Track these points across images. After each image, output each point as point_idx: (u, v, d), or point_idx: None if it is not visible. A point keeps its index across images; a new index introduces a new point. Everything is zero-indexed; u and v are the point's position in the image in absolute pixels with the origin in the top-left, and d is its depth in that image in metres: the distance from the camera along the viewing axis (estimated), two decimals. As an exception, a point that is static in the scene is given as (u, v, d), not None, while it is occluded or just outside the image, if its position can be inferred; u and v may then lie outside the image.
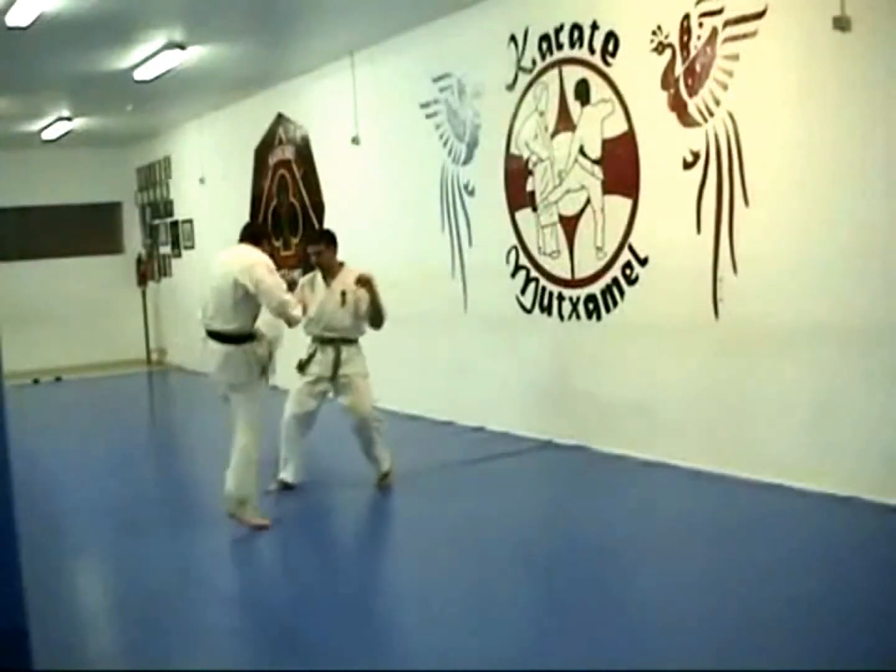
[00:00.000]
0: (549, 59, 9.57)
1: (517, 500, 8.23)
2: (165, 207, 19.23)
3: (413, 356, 9.41)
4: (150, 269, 20.16)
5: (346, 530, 8.25)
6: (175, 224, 18.93)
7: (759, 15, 7.45)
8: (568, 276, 9.64)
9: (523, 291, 10.19)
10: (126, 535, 7.92)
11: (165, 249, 19.49)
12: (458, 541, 7.26)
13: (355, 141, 12.73)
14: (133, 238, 20.71)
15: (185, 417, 14.77)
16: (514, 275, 10.29)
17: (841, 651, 4.90)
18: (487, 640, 5.36)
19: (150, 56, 11.56)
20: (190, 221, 18.29)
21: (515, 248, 10.25)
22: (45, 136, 16.93)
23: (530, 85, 9.84)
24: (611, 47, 8.85)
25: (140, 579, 6.80)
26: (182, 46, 11.21)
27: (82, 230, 20.26)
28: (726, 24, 7.71)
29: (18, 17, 9.28)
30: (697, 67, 8.00)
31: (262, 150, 15.25)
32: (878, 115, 6.86)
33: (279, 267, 14.92)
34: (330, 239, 8.94)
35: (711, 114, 7.93)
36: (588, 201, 9.30)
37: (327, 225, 13.72)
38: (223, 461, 7.52)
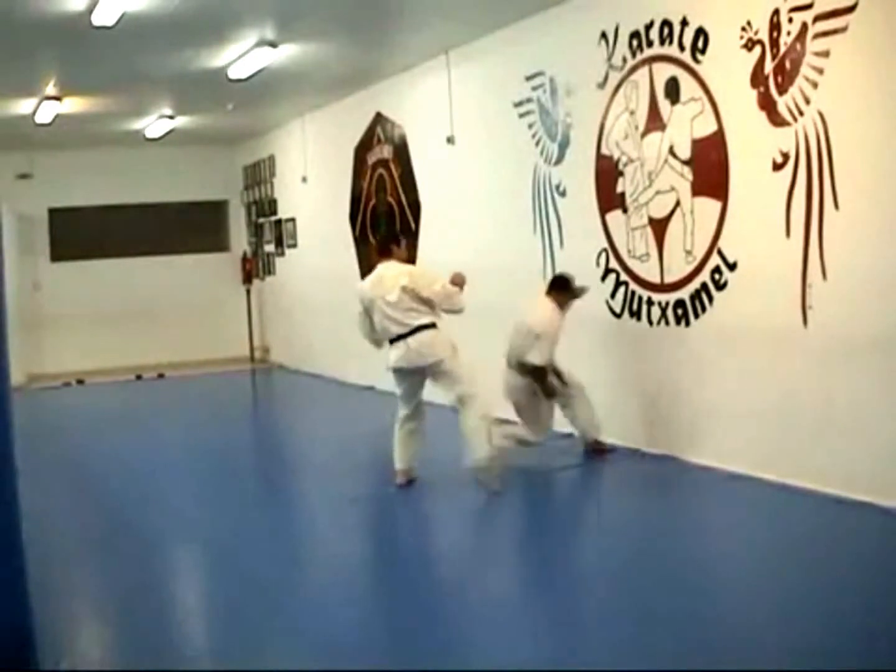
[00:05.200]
0: (639, 57, 9.30)
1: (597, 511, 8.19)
2: (270, 206, 19.27)
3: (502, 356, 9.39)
4: (255, 268, 20.22)
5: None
6: (279, 223, 18.95)
7: (850, 9, 7.08)
8: (657, 280, 9.37)
9: (613, 295, 9.93)
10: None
11: (270, 248, 19.54)
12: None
13: (450, 140, 12.59)
14: (239, 236, 20.80)
15: (290, 415, 14.83)
16: (603, 278, 10.04)
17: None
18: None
19: (242, 54, 11.53)
20: (293, 220, 18.29)
21: (605, 250, 9.99)
22: (149, 134, 17.03)
23: (621, 83, 9.58)
24: (700, 44, 8.55)
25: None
26: (273, 45, 11.15)
27: (189, 228, 20.34)
28: (816, 19, 7.35)
29: (103, 17, 9.31)
30: (787, 64, 7.65)
31: (362, 150, 15.17)
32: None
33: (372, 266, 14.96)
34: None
35: (801, 113, 7.57)
36: (678, 203, 9.01)
37: (423, 225, 13.63)
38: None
